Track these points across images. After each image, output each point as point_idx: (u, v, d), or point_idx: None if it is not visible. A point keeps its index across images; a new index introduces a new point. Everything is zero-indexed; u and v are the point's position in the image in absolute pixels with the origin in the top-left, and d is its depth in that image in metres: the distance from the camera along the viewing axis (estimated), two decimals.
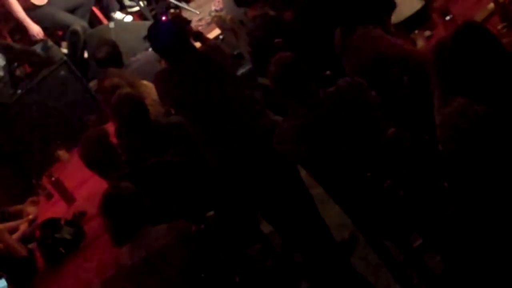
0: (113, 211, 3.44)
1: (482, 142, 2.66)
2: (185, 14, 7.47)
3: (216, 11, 7.38)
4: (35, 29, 7.54)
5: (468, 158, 2.73)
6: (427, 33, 4.46)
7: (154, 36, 4.59)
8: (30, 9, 7.66)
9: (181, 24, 4.97)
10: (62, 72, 7.21)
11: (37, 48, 7.43)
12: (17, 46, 7.66)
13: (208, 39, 5.26)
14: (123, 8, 8.43)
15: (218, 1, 7.49)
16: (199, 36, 5.11)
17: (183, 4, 8.36)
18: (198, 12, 8.30)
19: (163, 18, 5.53)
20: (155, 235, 3.43)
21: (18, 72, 7.38)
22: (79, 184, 5.78)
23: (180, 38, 4.47)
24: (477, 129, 2.66)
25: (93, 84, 7.27)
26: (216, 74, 4.46)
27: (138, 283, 3.46)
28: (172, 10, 6.14)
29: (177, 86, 4.49)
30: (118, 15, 8.26)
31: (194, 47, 4.67)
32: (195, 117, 4.49)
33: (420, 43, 4.39)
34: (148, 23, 7.55)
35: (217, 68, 4.48)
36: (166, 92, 4.61)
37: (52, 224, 5.05)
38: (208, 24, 7.80)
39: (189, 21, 5.66)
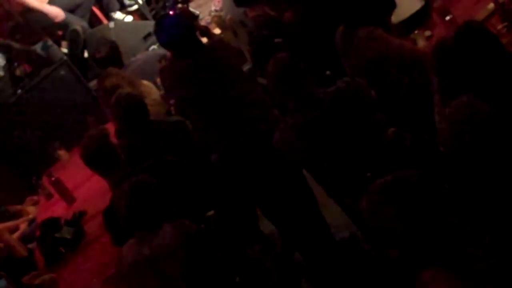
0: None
1: (484, 141, 2.65)
2: None
3: (216, 11, 7.37)
4: (54, 12, 7.55)
5: (470, 157, 2.72)
6: (427, 33, 4.46)
7: (161, 29, 4.52)
8: (32, 8, 7.67)
9: (189, 18, 4.94)
10: (62, 72, 7.22)
11: (37, 48, 7.43)
12: (17, 46, 7.66)
13: (215, 34, 5.23)
14: (123, 8, 8.42)
15: (218, 1, 7.49)
16: (206, 31, 5.09)
17: None
18: (198, 12, 8.30)
19: (171, 12, 5.50)
20: (160, 235, 3.43)
21: (18, 72, 7.38)
22: (79, 184, 5.78)
23: (187, 32, 4.45)
24: (481, 127, 2.65)
25: (93, 84, 7.26)
26: (222, 69, 4.44)
27: (139, 282, 3.46)
28: (179, 5, 6.12)
29: (183, 80, 4.46)
30: (118, 15, 8.25)
31: (201, 42, 4.65)
32: (199, 112, 4.48)
33: (420, 43, 4.39)
34: (148, 23, 7.56)
35: (223, 63, 4.46)
36: (172, 86, 4.59)
37: (52, 224, 5.06)
38: (208, 24, 7.80)
39: (197, 16, 5.61)
